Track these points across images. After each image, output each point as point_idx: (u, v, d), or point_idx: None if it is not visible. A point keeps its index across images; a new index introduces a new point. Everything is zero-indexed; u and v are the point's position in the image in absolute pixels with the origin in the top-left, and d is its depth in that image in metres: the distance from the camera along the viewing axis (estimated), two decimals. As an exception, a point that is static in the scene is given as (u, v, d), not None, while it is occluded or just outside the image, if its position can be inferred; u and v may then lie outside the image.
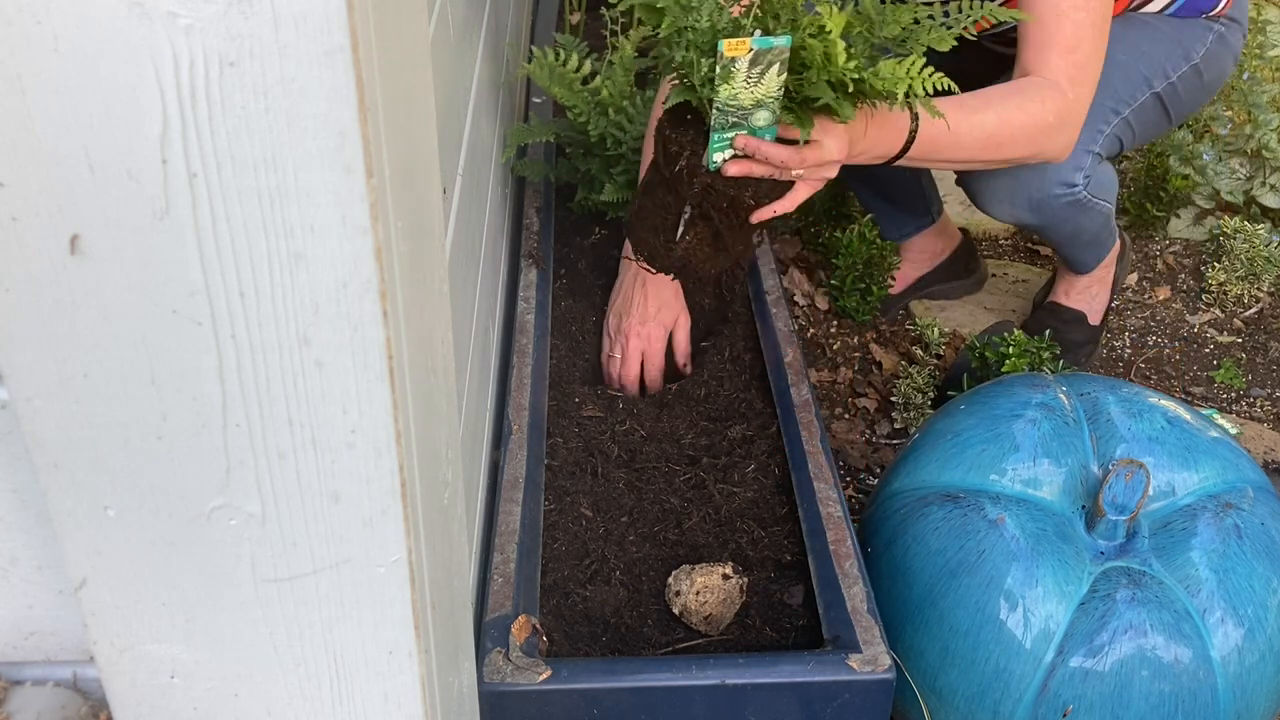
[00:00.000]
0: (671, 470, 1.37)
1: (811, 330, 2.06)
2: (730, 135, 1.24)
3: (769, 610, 1.20)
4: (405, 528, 0.64)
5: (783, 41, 1.18)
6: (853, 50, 1.18)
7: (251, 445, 0.60)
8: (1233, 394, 1.97)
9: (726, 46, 1.18)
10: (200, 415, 0.59)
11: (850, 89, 1.18)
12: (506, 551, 1.17)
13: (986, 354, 1.72)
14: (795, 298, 2.07)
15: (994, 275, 2.23)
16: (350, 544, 0.64)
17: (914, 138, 1.34)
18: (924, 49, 1.20)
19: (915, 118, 1.35)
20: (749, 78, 1.19)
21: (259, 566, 0.64)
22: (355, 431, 0.60)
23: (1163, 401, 1.30)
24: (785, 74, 1.19)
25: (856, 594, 1.14)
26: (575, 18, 2.41)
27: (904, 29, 1.22)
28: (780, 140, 1.24)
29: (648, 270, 1.49)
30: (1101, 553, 1.18)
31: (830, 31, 1.12)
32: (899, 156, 1.35)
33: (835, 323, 2.08)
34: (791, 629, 1.18)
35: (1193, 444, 1.25)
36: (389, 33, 0.56)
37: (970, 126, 1.39)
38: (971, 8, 1.24)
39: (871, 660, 1.06)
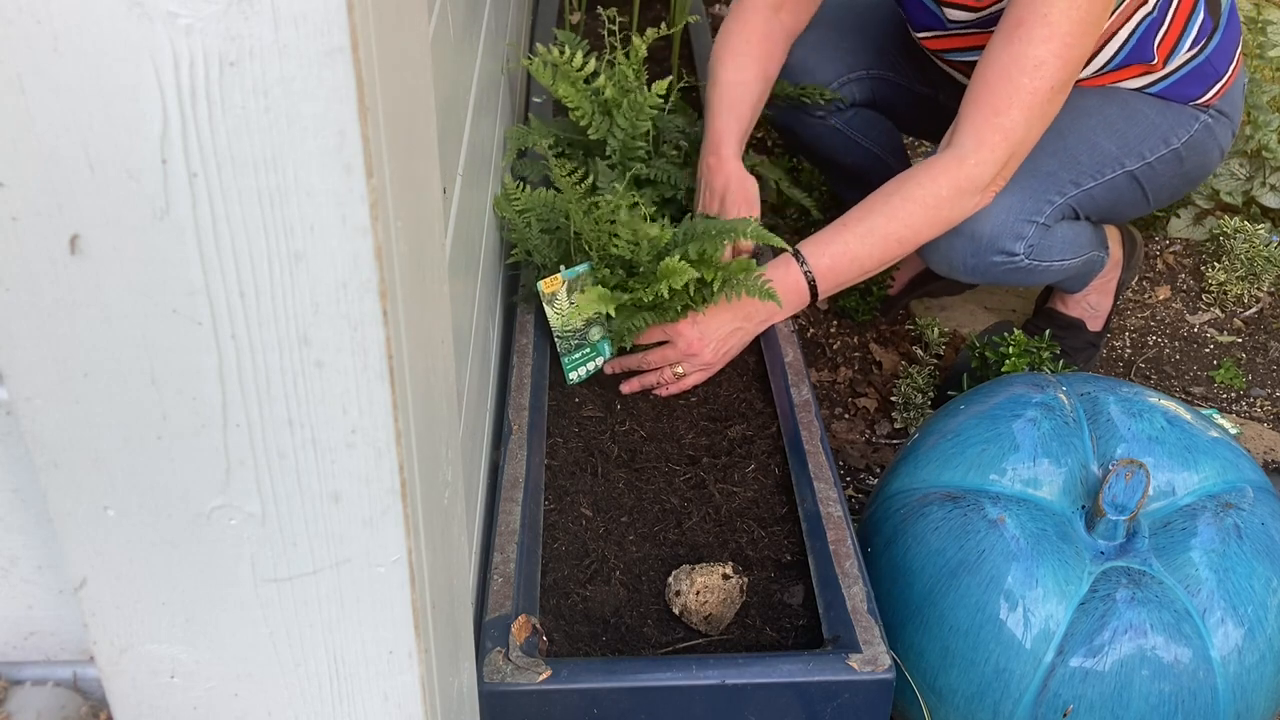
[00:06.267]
0: (671, 470, 1.37)
1: (811, 330, 2.06)
2: (578, 355, 1.46)
3: (769, 610, 1.20)
4: (405, 528, 0.64)
5: (584, 268, 1.39)
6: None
7: (251, 445, 0.60)
8: (1233, 394, 1.97)
9: (544, 285, 1.39)
10: (200, 415, 0.59)
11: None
12: (506, 551, 1.17)
13: (986, 354, 1.72)
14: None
15: (994, 275, 2.23)
16: (350, 544, 0.64)
17: (812, 277, 1.46)
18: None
19: (801, 261, 1.46)
20: (572, 303, 1.41)
21: (259, 566, 0.64)
22: (355, 431, 0.60)
23: (1163, 401, 1.30)
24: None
25: (856, 594, 1.14)
26: (575, 17, 2.41)
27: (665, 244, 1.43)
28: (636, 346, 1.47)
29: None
30: (1101, 553, 1.18)
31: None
32: (815, 297, 1.48)
33: (835, 322, 2.08)
34: (791, 629, 1.18)
35: (1193, 444, 1.25)
36: (389, 33, 0.56)
37: (861, 240, 1.45)
38: None
39: (871, 660, 1.06)
